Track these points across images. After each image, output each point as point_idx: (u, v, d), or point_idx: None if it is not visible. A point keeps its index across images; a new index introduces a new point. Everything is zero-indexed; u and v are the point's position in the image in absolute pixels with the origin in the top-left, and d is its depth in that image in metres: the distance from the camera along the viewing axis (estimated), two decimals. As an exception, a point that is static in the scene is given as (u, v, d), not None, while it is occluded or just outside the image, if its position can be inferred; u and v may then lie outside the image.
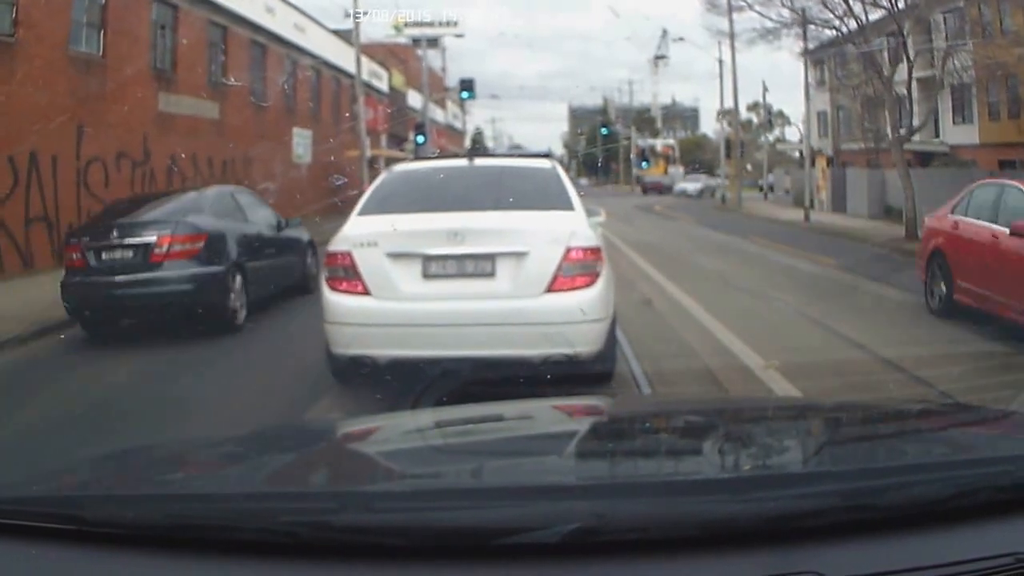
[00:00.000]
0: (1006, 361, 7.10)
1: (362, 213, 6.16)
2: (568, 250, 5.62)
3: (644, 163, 54.71)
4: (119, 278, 8.47)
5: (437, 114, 54.78)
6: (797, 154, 47.85)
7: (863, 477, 1.54)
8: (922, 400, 4.68)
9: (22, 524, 1.46)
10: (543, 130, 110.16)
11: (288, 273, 10.73)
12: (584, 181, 74.12)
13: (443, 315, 5.58)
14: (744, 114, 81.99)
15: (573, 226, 5.84)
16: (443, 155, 40.43)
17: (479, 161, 7.16)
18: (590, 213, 6.36)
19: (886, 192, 27.58)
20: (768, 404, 3.54)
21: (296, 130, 27.34)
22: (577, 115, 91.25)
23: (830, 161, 32.40)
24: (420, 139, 32.40)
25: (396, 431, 2.35)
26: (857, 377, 6.38)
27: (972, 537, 1.40)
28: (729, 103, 46.88)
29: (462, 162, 7.15)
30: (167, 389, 6.61)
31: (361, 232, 5.83)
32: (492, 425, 2.33)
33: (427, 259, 5.65)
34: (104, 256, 8.61)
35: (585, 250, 5.68)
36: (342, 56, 29.22)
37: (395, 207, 6.14)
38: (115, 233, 8.68)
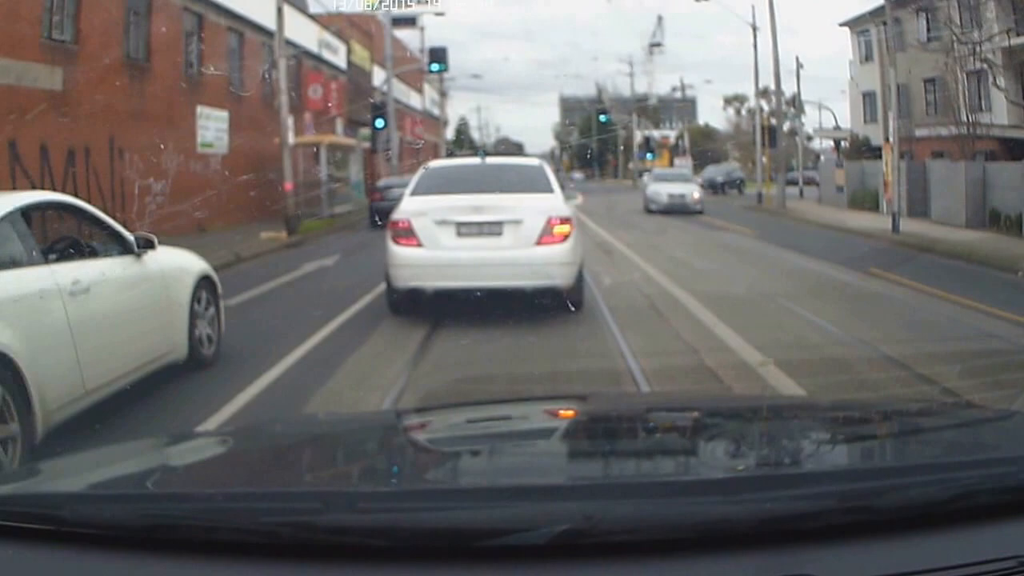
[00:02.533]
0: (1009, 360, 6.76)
1: (412, 195, 8.94)
2: (550, 219, 8.35)
3: (649, 154, 48.02)
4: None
5: (413, 100, 47.74)
6: (830, 143, 40.82)
7: (861, 478, 1.53)
8: (922, 399, 4.63)
9: None
10: (533, 120, 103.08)
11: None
12: (578, 175, 67.41)
13: (470, 259, 8.26)
14: (752, 102, 75.52)
15: (553, 203, 8.63)
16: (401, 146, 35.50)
17: (489, 160, 10.42)
18: (568, 196, 9.22)
19: (988, 192, 20.85)
20: (764, 403, 3.23)
21: (203, 110, 20.34)
22: (568, 105, 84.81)
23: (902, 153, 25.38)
24: (379, 123, 25.65)
25: (382, 431, 2.31)
26: None
27: (973, 540, 1.35)
28: (753, 80, 39.74)
29: (477, 160, 10.36)
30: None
31: (415, 207, 8.58)
32: (481, 425, 2.27)
33: (459, 224, 8.35)
34: (389, 196, 18.26)
35: (561, 219, 8.41)
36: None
37: (435, 190, 8.91)
38: (391, 189, 19.06)
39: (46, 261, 4.98)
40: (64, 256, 5.27)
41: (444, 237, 8.28)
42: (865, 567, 1.27)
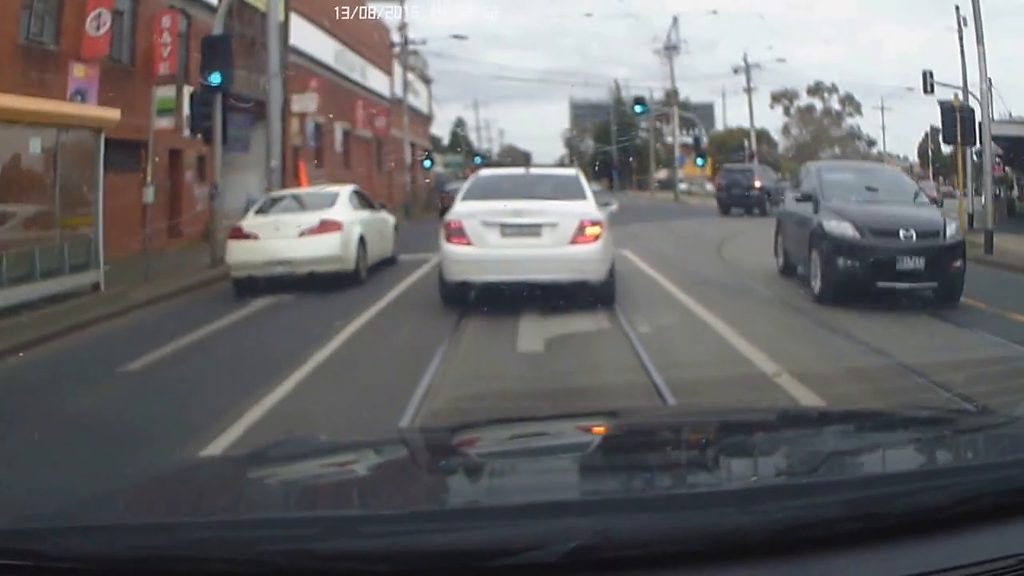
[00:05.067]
0: (1015, 367, 6.91)
1: (464, 199, 10.50)
2: (582, 221, 9.79)
3: (699, 160, 36.61)
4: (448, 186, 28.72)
5: (377, 83, 35.29)
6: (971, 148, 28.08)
7: (871, 485, 1.53)
8: (929, 407, 4.72)
9: None
10: (540, 125, 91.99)
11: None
12: (594, 187, 56.89)
13: (513, 256, 9.72)
14: (805, 99, 63.55)
15: (586, 208, 10.14)
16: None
17: (532, 170, 12.80)
18: (605, 204, 11.27)
19: None
20: (773, 413, 3.33)
21: None
22: (580, 110, 74.79)
23: None
24: (216, 78, 13.29)
25: (386, 453, 2.22)
26: None
27: (976, 541, 1.38)
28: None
29: (521, 170, 13.02)
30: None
31: (466, 210, 10.13)
32: (488, 444, 2.23)
33: (504, 226, 9.83)
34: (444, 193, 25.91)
35: (592, 222, 9.85)
36: None
37: (484, 196, 10.52)
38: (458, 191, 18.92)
39: (362, 208, 13.63)
40: (364, 208, 13.85)
41: (490, 236, 9.80)
42: (876, 573, 1.30)
